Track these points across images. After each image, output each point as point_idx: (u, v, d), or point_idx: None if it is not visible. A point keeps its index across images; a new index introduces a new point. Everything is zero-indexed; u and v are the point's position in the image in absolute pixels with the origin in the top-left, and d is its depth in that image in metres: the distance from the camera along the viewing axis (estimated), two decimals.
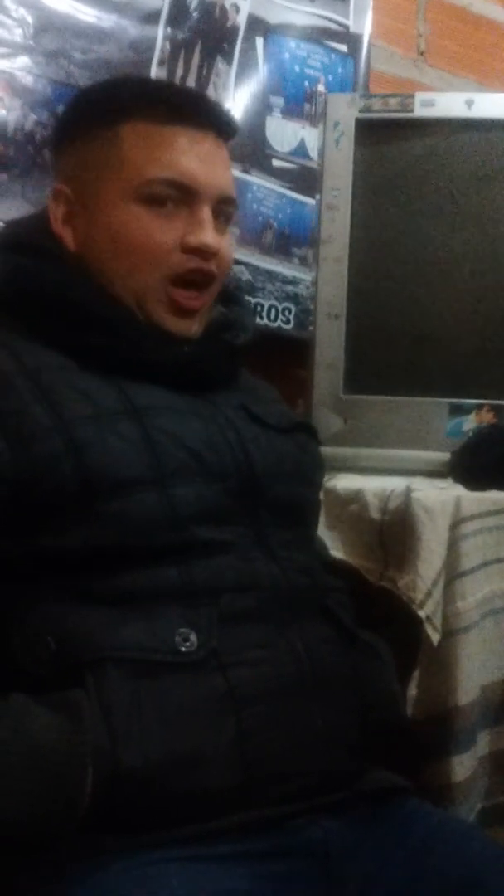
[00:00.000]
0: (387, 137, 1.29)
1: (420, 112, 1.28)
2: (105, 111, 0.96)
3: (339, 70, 1.67)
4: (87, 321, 0.90)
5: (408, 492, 1.10)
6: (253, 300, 1.53)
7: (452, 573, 1.08)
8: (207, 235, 0.93)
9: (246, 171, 1.55)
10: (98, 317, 0.90)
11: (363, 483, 1.17)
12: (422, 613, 1.04)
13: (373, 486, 1.15)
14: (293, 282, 1.59)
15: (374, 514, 1.12)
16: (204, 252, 0.93)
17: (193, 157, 0.93)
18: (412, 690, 1.07)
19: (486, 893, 0.80)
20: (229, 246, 0.99)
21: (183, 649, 0.77)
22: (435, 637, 1.05)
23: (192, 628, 0.78)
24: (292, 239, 1.60)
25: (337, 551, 1.13)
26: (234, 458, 0.89)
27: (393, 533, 1.10)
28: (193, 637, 0.78)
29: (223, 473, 0.88)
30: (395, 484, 1.13)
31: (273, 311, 1.57)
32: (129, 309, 0.93)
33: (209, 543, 0.84)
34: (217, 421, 0.91)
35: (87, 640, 0.77)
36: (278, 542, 0.89)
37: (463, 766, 1.06)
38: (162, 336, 0.93)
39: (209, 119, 0.96)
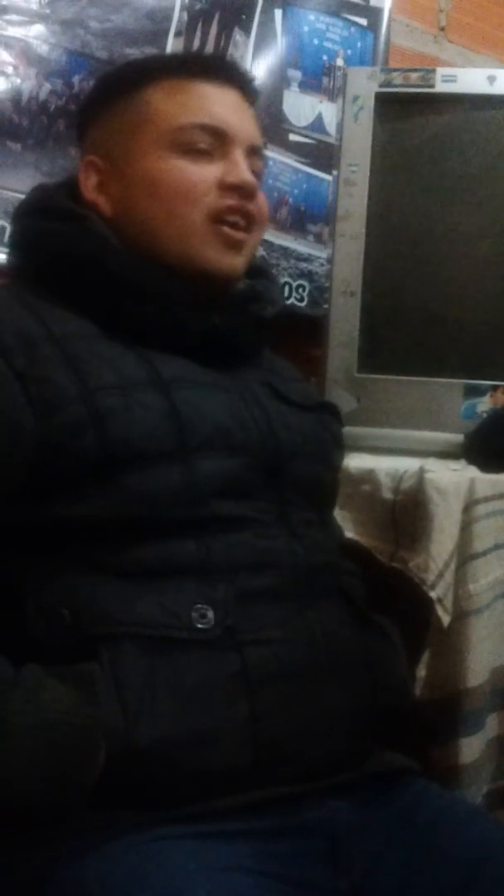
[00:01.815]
0: (407, 112, 1.27)
1: (441, 87, 1.26)
2: (128, 80, 0.96)
3: (359, 44, 1.65)
4: (118, 285, 0.89)
5: (421, 472, 1.09)
6: None
7: (465, 555, 1.07)
8: (246, 173, 0.93)
9: (262, 145, 1.53)
10: (129, 280, 0.89)
11: (376, 463, 1.16)
12: (433, 595, 1.04)
13: (385, 467, 1.14)
14: (308, 259, 1.57)
15: (387, 494, 1.12)
16: (243, 189, 0.92)
17: (222, 104, 0.94)
18: (421, 672, 1.07)
19: (491, 874, 0.80)
20: (265, 199, 0.98)
21: (199, 626, 0.77)
22: (445, 619, 1.05)
23: (210, 605, 0.78)
24: (308, 215, 1.58)
25: (348, 531, 1.12)
26: (259, 435, 0.88)
27: (405, 513, 1.10)
28: (210, 614, 0.77)
29: (249, 449, 0.87)
30: (408, 464, 1.13)
31: (287, 289, 1.56)
32: (169, 268, 0.91)
33: (229, 519, 0.83)
34: (244, 396, 0.90)
35: (103, 614, 0.76)
36: (300, 521, 0.89)
37: (471, 748, 1.06)
38: (193, 304, 0.91)
39: (234, 75, 0.97)
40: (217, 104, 0.93)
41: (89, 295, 0.88)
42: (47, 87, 1.35)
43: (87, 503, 0.79)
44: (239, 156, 0.93)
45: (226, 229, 0.92)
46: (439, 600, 1.04)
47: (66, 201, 0.95)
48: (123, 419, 0.80)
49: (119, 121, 0.95)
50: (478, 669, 1.06)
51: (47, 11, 1.34)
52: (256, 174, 0.96)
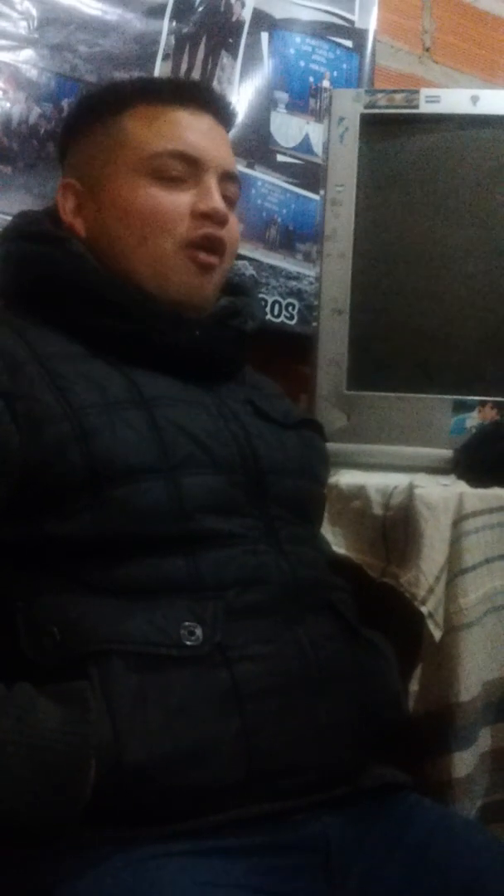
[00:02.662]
0: (391, 133, 1.28)
1: (425, 108, 1.27)
2: (108, 104, 0.98)
3: (344, 65, 1.67)
4: (99, 304, 0.91)
5: (410, 488, 1.10)
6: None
7: (455, 570, 1.07)
8: (216, 200, 0.95)
9: (250, 166, 1.54)
10: (109, 300, 0.91)
11: (366, 479, 1.16)
12: (424, 609, 1.04)
13: (375, 483, 1.14)
14: (297, 277, 1.59)
15: (377, 510, 1.12)
16: (214, 217, 0.94)
17: (195, 131, 0.96)
18: (413, 686, 1.07)
19: (486, 890, 0.80)
20: (237, 226, 1.00)
21: (188, 643, 0.77)
22: (437, 633, 1.05)
23: (198, 622, 0.78)
24: (296, 234, 1.60)
25: (339, 547, 1.13)
26: (240, 452, 0.89)
27: (395, 529, 1.10)
28: (199, 631, 0.78)
29: (229, 466, 0.88)
30: (397, 480, 1.13)
31: (277, 307, 1.57)
32: (142, 290, 0.93)
33: (217, 535, 0.84)
34: (223, 414, 0.91)
35: (92, 632, 0.77)
36: (287, 536, 0.89)
37: (464, 762, 1.06)
38: (173, 319, 0.93)
39: (208, 100, 0.99)
40: (191, 131, 0.95)
41: (72, 315, 0.90)
42: (37, 110, 1.37)
43: (75, 520, 0.80)
44: (212, 182, 0.95)
45: (199, 254, 0.94)
46: (430, 615, 1.05)
47: (48, 225, 0.97)
48: (108, 437, 0.81)
49: (96, 145, 0.97)
50: (470, 684, 1.06)
51: (36, 36, 1.36)
52: (230, 199, 0.98)
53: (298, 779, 0.80)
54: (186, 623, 0.78)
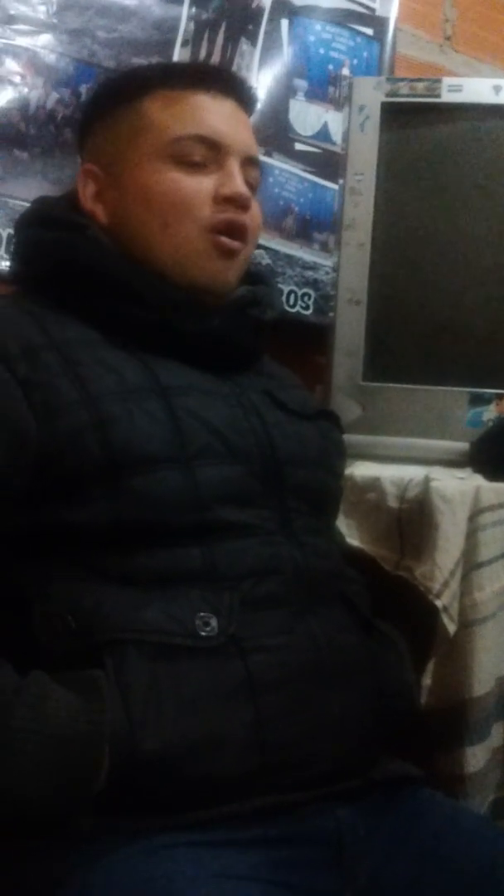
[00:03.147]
0: (412, 122, 1.27)
1: (447, 97, 1.26)
2: (128, 89, 0.97)
3: (365, 53, 1.65)
4: (119, 291, 0.90)
5: (426, 481, 1.09)
6: None
7: (470, 564, 1.07)
8: (239, 184, 0.94)
9: (268, 154, 1.53)
10: (130, 286, 0.90)
11: (381, 471, 1.16)
12: (438, 603, 1.04)
13: (391, 475, 1.14)
14: (313, 267, 1.58)
15: (392, 502, 1.12)
16: (237, 201, 0.93)
17: (217, 115, 0.95)
18: (427, 680, 1.07)
19: (496, 884, 0.80)
20: (259, 210, 0.99)
21: (203, 634, 0.77)
22: (451, 627, 1.04)
23: (213, 613, 0.78)
24: (313, 224, 1.59)
25: (353, 539, 1.12)
26: (257, 442, 0.89)
27: (410, 522, 1.10)
28: (214, 622, 0.78)
29: (246, 456, 0.87)
30: (413, 473, 1.13)
31: (293, 297, 1.56)
32: (164, 277, 0.92)
33: (232, 525, 0.83)
34: (242, 404, 0.91)
35: (108, 620, 0.76)
36: (302, 528, 0.89)
37: (476, 757, 1.06)
38: (193, 307, 0.92)
39: (230, 84, 0.98)
40: (213, 115, 0.94)
41: (90, 302, 0.90)
42: (55, 96, 1.36)
43: (91, 508, 0.79)
44: (234, 167, 0.94)
45: (221, 238, 0.93)
46: (445, 609, 1.04)
47: (66, 211, 0.97)
48: (125, 424, 0.81)
49: (117, 130, 0.96)
50: (483, 678, 1.06)
51: (55, 21, 1.35)
52: (252, 185, 0.97)
53: (311, 771, 0.80)
54: (202, 614, 0.78)
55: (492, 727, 1.09)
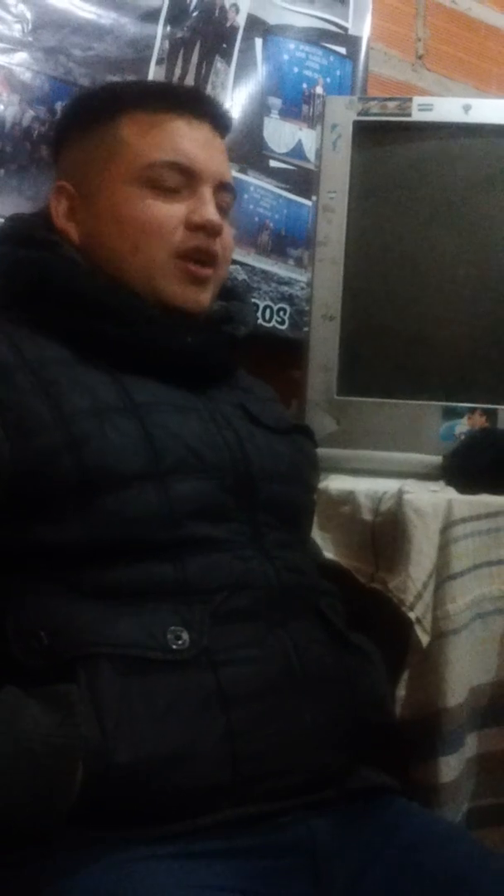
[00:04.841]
0: (384, 140, 1.29)
1: (417, 116, 1.28)
2: (103, 107, 0.97)
3: (338, 72, 1.67)
4: (92, 308, 0.90)
5: (400, 494, 1.10)
6: None
7: (443, 576, 1.08)
8: (210, 212, 0.94)
9: (243, 171, 1.55)
10: (103, 303, 0.91)
11: (355, 484, 1.17)
12: (412, 615, 1.05)
13: (365, 488, 1.15)
14: (289, 282, 1.59)
15: (366, 515, 1.13)
16: (208, 228, 0.94)
17: (192, 141, 0.95)
18: (401, 691, 1.07)
19: (470, 894, 0.80)
20: (230, 234, 1.00)
21: (175, 647, 0.78)
22: (424, 639, 1.05)
23: (185, 626, 0.79)
24: (288, 240, 1.60)
25: (328, 552, 1.13)
26: (231, 457, 0.89)
27: (384, 534, 1.11)
28: (185, 635, 0.78)
29: (220, 471, 0.88)
30: (387, 486, 1.14)
31: (268, 312, 1.57)
32: (136, 295, 0.93)
33: (205, 540, 0.84)
34: (215, 418, 0.92)
35: (80, 635, 0.77)
36: (273, 542, 0.89)
37: (450, 767, 1.06)
38: (167, 324, 0.93)
39: (206, 109, 0.99)
40: (188, 141, 0.95)
41: (64, 320, 0.90)
42: (30, 113, 1.37)
43: (65, 526, 0.80)
44: (207, 194, 0.95)
45: (190, 266, 0.94)
46: (418, 620, 1.05)
47: (40, 230, 0.97)
48: (98, 444, 0.81)
49: (91, 150, 0.96)
50: (457, 689, 1.07)
51: (30, 39, 1.36)
52: (224, 209, 0.98)
53: (284, 781, 0.80)
54: (173, 627, 0.78)
55: (466, 737, 1.10)
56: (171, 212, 0.93)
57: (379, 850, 0.83)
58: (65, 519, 0.80)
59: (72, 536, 0.80)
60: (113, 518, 0.80)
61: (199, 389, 0.93)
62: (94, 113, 0.98)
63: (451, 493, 1.14)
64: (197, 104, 0.99)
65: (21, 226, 1.00)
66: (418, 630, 1.05)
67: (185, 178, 0.94)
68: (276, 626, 0.84)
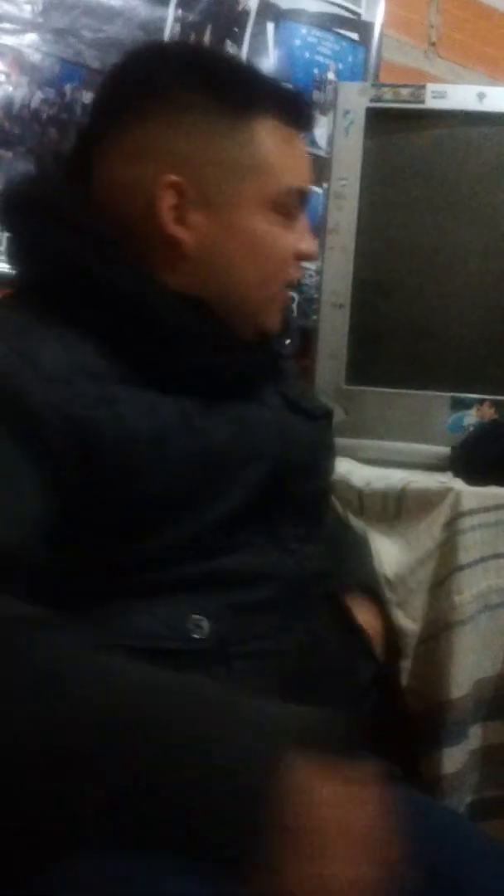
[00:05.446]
0: (397, 128, 1.28)
1: (431, 103, 1.27)
2: (237, 98, 0.82)
3: (350, 58, 1.66)
4: (160, 328, 0.79)
5: (406, 483, 1.10)
6: None
7: (451, 567, 1.08)
8: (314, 244, 0.89)
9: None
10: (175, 325, 0.80)
11: (360, 471, 1.17)
12: (394, 598, 1.06)
13: (367, 475, 1.15)
14: None
15: (357, 483, 1.14)
16: (311, 259, 0.90)
17: (308, 165, 0.88)
18: (405, 682, 1.08)
19: (469, 881, 0.81)
20: None
21: (195, 636, 0.77)
22: (407, 624, 1.06)
23: (205, 615, 0.77)
24: None
25: None
26: (271, 469, 0.85)
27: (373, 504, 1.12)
28: (206, 624, 0.77)
29: (260, 483, 0.84)
30: (394, 476, 1.13)
31: None
32: (220, 321, 0.83)
33: (231, 541, 0.82)
34: (262, 417, 0.87)
35: (104, 628, 0.75)
36: (291, 536, 0.89)
37: (454, 758, 1.07)
38: (256, 350, 0.87)
39: (312, 123, 0.91)
40: (306, 164, 0.87)
41: (123, 331, 0.79)
42: (39, 95, 1.36)
43: (118, 546, 0.77)
44: (305, 220, 0.88)
45: (286, 294, 0.90)
46: (400, 605, 1.06)
47: (96, 222, 0.81)
48: (155, 473, 0.76)
49: (220, 147, 0.82)
50: (462, 681, 1.07)
51: (40, 20, 1.35)
52: None
53: None
54: (194, 616, 0.77)
55: (470, 729, 1.10)
56: (290, 242, 0.85)
57: None
58: (117, 541, 0.76)
59: (119, 556, 0.77)
60: (159, 535, 0.78)
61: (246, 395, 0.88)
62: (220, 95, 0.82)
63: (458, 485, 1.13)
64: (311, 117, 0.89)
65: (65, 206, 0.82)
66: (399, 614, 1.05)
67: (300, 205, 0.87)
68: (293, 617, 0.84)
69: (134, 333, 0.78)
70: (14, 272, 0.85)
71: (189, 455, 0.79)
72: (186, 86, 0.82)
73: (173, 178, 0.80)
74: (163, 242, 0.81)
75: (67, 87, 1.37)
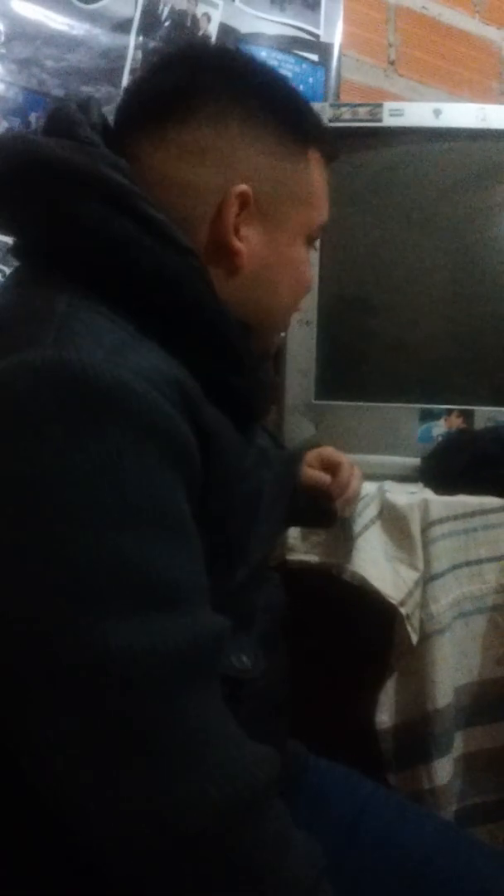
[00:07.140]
0: (356, 146, 1.30)
1: (389, 121, 1.29)
2: (299, 122, 0.81)
3: (311, 79, 1.69)
4: (230, 351, 0.75)
5: (380, 493, 1.11)
6: None
7: (425, 577, 1.09)
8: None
9: None
10: (242, 349, 0.76)
11: None
12: (403, 611, 1.05)
13: None
14: None
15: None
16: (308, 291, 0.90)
17: None
18: (386, 695, 1.08)
19: (437, 872, 0.82)
20: None
21: (248, 667, 0.76)
22: (414, 637, 1.06)
23: (247, 649, 0.76)
24: None
25: (312, 556, 1.14)
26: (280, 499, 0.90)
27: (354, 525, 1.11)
28: (246, 658, 0.76)
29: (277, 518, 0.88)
30: (366, 488, 1.14)
31: None
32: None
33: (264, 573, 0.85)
34: (266, 463, 0.87)
35: None
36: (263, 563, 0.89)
37: (444, 769, 1.08)
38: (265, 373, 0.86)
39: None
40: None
41: (201, 352, 0.72)
42: (4, 124, 1.37)
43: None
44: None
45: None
46: (408, 617, 1.06)
47: (177, 228, 0.71)
48: (238, 517, 0.76)
49: (283, 169, 0.79)
50: (444, 690, 1.07)
51: (3, 51, 1.36)
52: None
53: None
54: (244, 649, 0.76)
55: (454, 737, 1.11)
56: (311, 274, 0.86)
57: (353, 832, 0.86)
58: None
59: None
60: (237, 569, 0.77)
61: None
62: (293, 124, 0.80)
63: (428, 494, 1.15)
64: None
65: (137, 199, 0.70)
66: (408, 627, 1.05)
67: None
68: (278, 644, 0.85)
69: (208, 352, 0.73)
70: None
71: (257, 487, 0.81)
72: (264, 101, 0.78)
73: (244, 187, 0.76)
74: (217, 252, 0.76)
75: (32, 116, 1.38)
